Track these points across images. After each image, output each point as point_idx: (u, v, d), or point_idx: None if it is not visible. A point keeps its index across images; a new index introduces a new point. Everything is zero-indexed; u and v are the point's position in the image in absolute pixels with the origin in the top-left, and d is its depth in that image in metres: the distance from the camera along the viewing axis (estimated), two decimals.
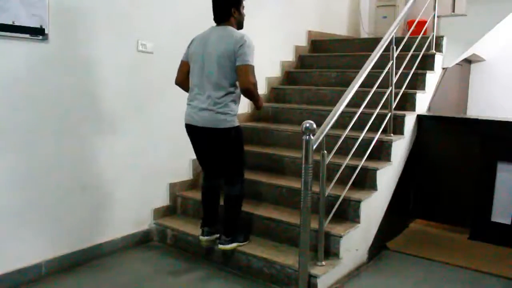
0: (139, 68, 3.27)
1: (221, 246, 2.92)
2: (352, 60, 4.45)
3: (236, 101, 2.76)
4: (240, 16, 2.80)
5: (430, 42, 4.13)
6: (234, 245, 2.94)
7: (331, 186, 2.83)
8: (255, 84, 2.69)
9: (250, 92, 2.68)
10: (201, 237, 2.99)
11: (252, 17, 4.20)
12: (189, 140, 2.88)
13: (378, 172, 3.18)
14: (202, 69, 2.71)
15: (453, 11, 5.11)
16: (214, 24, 2.80)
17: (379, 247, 3.38)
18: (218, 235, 2.98)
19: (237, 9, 2.76)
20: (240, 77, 2.64)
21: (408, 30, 4.22)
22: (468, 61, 5.97)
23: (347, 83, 3.14)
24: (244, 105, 4.27)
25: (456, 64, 4.81)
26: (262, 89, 4.46)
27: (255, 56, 2.68)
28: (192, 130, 2.81)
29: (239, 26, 2.81)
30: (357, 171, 3.05)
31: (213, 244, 3.01)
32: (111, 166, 3.17)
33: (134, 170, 3.33)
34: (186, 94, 2.83)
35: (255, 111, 4.32)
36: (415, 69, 3.82)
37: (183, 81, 2.89)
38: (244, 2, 2.83)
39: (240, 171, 2.92)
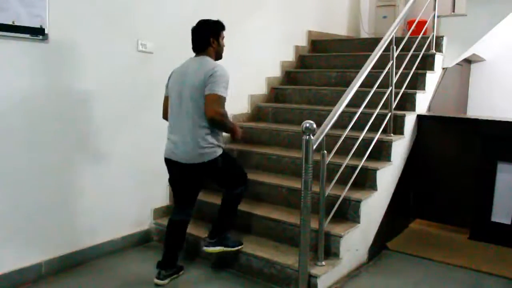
0: (139, 68, 3.27)
1: (205, 248, 2.88)
2: (352, 60, 4.44)
3: (214, 133, 2.64)
4: (219, 47, 2.74)
5: (430, 42, 4.13)
6: (218, 248, 2.86)
7: (331, 186, 2.83)
8: (222, 114, 2.57)
9: (215, 122, 2.57)
10: (156, 280, 2.75)
11: (252, 18, 4.24)
12: None
13: (378, 172, 3.18)
14: (180, 104, 2.64)
15: (453, 11, 5.10)
16: None
17: (379, 247, 3.38)
18: (177, 275, 2.84)
19: (216, 39, 2.71)
20: (205, 107, 2.54)
21: (408, 30, 4.22)
22: (468, 61, 5.97)
23: (347, 83, 3.14)
24: (244, 105, 4.27)
25: (456, 64, 4.81)
26: (262, 89, 4.47)
27: (230, 89, 2.60)
28: (172, 165, 2.73)
29: (218, 56, 2.75)
30: (357, 171, 3.05)
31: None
32: (111, 165, 3.17)
33: (134, 170, 3.32)
34: None
35: (255, 111, 4.32)
36: (415, 69, 3.82)
37: (167, 116, 2.82)
38: (224, 33, 2.77)
39: (239, 180, 2.87)
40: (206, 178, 2.78)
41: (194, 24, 2.73)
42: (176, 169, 2.73)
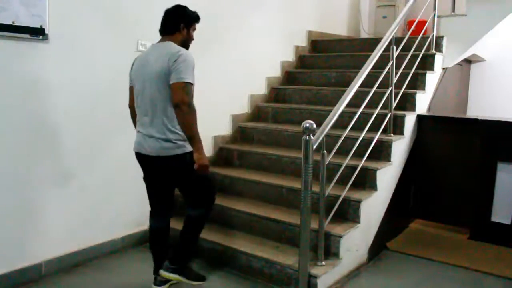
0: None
1: (161, 271, 2.64)
2: (352, 60, 4.44)
3: None
4: (188, 37, 2.55)
5: (430, 42, 4.13)
6: (175, 276, 2.65)
7: (331, 186, 2.83)
8: (188, 104, 2.30)
9: (180, 112, 2.30)
10: (154, 287, 2.68)
11: (252, 18, 4.24)
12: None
13: (378, 172, 3.18)
14: (143, 93, 2.44)
15: (453, 11, 5.10)
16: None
17: (379, 247, 3.38)
18: (175, 281, 2.71)
19: (187, 27, 2.53)
20: (172, 95, 2.33)
21: (408, 30, 4.22)
22: (468, 61, 5.97)
23: (347, 83, 3.14)
24: (244, 105, 4.27)
25: (456, 64, 4.81)
26: (262, 89, 4.46)
27: (196, 76, 2.40)
28: (142, 159, 2.54)
29: (184, 46, 2.49)
30: (357, 171, 3.05)
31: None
32: (111, 165, 3.17)
33: (134, 170, 3.31)
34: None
35: (255, 111, 4.32)
36: (415, 69, 3.82)
37: (133, 106, 2.60)
38: (196, 25, 2.59)
39: (205, 197, 2.63)
40: (173, 179, 2.56)
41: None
42: (146, 163, 2.55)
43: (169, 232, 2.72)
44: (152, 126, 2.42)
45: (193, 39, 2.60)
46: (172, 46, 2.42)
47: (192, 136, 2.35)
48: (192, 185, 2.57)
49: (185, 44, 2.53)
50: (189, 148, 2.41)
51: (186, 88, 2.31)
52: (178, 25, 2.50)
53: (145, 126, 2.46)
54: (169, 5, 3.41)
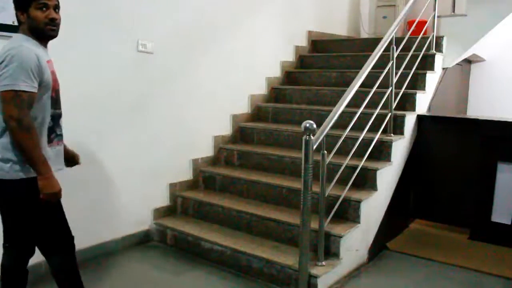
0: (139, 68, 3.27)
1: None
2: (352, 60, 4.45)
3: None
4: (31, 20, 1.91)
5: (430, 42, 4.13)
6: None
7: (331, 186, 2.83)
8: (18, 119, 1.75)
9: (10, 130, 1.78)
10: None
11: (252, 18, 4.24)
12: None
13: (378, 172, 3.17)
14: None
15: (453, 11, 5.10)
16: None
17: (379, 247, 3.38)
18: None
19: (25, 11, 1.92)
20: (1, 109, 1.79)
21: (408, 30, 4.22)
22: (468, 61, 5.97)
23: (347, 83, 3.14)
24: (244, 105, 4.27)
25: (456, 64, 4.81)
26: (262, 89, 4.46)
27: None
28: None
29: (38, 33, 1.93)
30: (357, 171, 3.05)
31: None
32: (111, 166, 3.16)
33: (134, 170, 3.32)
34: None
35: (255, 111, 4.32)
36: (415, 69, 3.82)
37: None
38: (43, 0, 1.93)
39: (57, 240, 2.04)
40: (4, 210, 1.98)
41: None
42: None
43: (26, 278, 2.11)
44: None
45: (48, 19, 1.93)
46: (11, 42, 1.90)
47: (29, 157, 1.82)
48: (35, 225, 1.97)
49: (36, 29, 1.92)
50: (27, 174, 1.86)
51: (15, 99, 1.75)
52: (17, 14, 1.96)
53: None
54: (169, 5, 3.44)
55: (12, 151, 1.83)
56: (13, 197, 1.90)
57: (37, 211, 1.92)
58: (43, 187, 1.87)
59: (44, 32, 1.95)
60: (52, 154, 1.97)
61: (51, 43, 2.12)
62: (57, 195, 1.94)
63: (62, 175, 2.90)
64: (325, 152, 2.65)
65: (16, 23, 2.53)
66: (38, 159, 1.84)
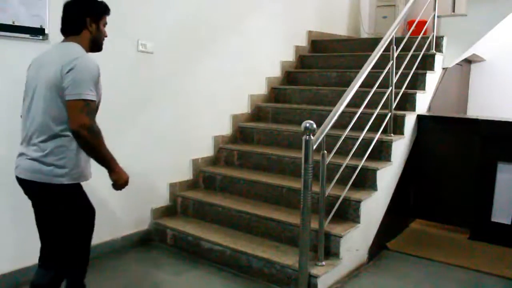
0: (139, 68, 3.27)
1: None
2: (352, 60, 4.45)
3: (69, 151, 1.90)
4: (98, 34, 2.02)
5: (430, 42, 4.13)
6: None
7: (331, 186, 2.83)
8: (90, 128, 1.82)
9: (81, 138, 1.83)
10: None
11: (252, 18, 4.24)
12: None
13: (378, 172, 3.17)
14: (31, 103, 1.93)
15: (453, 11, 5.11)
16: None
17: (379, 247, 3.38)
18: None
19: (95, 21, 2.00)
20: (69, 117, 1.83)
21: (408, 30, 4.22)
22: (468, 61, 5.97)
23: (347, 83, 3.14)
24: (244, 105, 4.27)
25: (456, 64, 4.81)
26: (262, 89, 4.46)
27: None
28: (22, 185, 1.99)
29: (94, 46, 2.03)
30: (357, 171, 3.05)
31: None
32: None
33: (134, 170, 3.31)
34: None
35: (255, 111, 4.32)
36: (415, 69, 3.82)
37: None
38: (107, 19, 2.10)
39: (78, 254, 2.07)
40: (44, 212, 2.01)
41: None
42: (26, 191, 2.00)
43: None
44: (29, 145, 1.93)
45: (106, 36, 2.09)
46: (72, 50, 1.90)
47: (100, 160, 1.95)
48: (60, 231, 2.00)
49: (96, 43, 2.04)
50: (71, 180, 1.94)
51: (86, 108, 1.82)
52: (83, 20, 1.97)
53: (23, 144, 1.98)
54: (169, 5, 3.43)
55: (57, 157, 1.89)
56: (58, 202, 1.95)
57: (72, 218, 1.98)
58: (116, 180, 2.02)
59: (100, 46, 2.08)
60: (87, 159, 2.04)
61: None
62: (127, 182, 2.07)
63: None
64: (325, 152, 2.65)
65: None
66: (109, 158, 1.98)
